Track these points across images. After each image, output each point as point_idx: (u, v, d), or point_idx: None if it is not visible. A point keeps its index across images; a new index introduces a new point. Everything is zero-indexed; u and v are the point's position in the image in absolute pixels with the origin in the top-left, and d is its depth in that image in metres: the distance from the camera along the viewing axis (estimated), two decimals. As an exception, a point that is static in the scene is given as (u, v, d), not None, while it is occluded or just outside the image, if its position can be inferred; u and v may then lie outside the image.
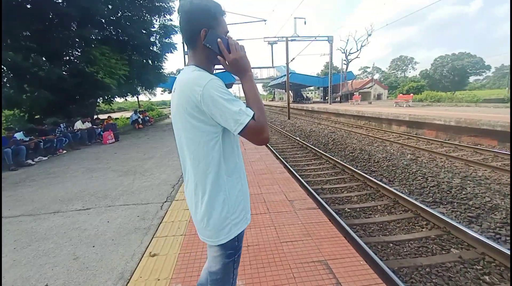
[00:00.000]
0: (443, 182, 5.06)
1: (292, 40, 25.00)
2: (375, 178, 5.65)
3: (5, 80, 9.17)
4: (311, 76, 35.88)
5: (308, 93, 59.82)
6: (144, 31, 12.58)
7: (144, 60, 13.74)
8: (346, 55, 30.56)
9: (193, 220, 1.10)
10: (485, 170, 6.09)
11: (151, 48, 13.56)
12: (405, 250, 3.40)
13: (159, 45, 13.73)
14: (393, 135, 11.34)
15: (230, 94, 0.92)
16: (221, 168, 1.01)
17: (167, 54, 14.08)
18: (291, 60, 19.22)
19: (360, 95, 25.89)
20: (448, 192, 4.74)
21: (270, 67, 62.48)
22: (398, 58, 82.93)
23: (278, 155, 8.33)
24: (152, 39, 13.38)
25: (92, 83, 9.72)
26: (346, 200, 4.92)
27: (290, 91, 37.70)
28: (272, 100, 70.44)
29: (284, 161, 7.53)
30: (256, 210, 3.30)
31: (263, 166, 5.27)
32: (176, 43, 13.89)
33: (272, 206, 3.40)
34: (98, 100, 13.29)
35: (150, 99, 53.95)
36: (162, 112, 19.11)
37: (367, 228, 3.97)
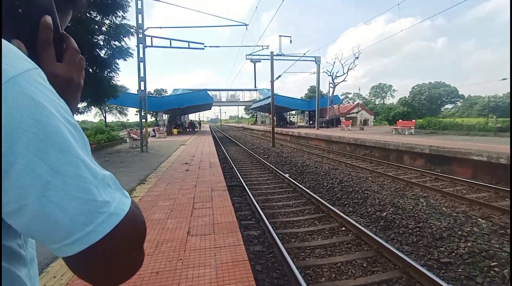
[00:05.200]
0: None
1: (277, 59, 22.89)
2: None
3: None
4: (295, 99, 33.98)
5: (290, 117, 58.31)
6: (85, 29, 9.39)
7: (88, 68, 10.41)
8: (332, 78, 29.03)
9: None
10: None
11: (96, 52, 10.33)
12: None
13: (106, 49, 10.55)
14: (413, 173, 8.55)
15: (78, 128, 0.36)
16: None
17: (118, 61, 10.89)
18: (277, 78, 16.75)
19: (350, 121, 23.81)
20: None
21: (253, 90, 61.26)
22: (377, 85, 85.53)
23: (260, 210, 5.08)
24: (97, 40, 10.18)
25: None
26: None
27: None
28: (254, 124, 68.48)
29: (271, 228, 4.27)
30: None
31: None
32: (130, 48, 10.79)
33: None
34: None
35: (119, 119, 49.68)
36: (116, 135, 15.36)
37: None
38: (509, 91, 64.30)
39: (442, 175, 7.99)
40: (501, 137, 13.11)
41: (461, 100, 69.93)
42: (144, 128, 10.55)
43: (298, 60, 23.71)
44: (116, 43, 10.61)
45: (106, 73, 11.41)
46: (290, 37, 23.03)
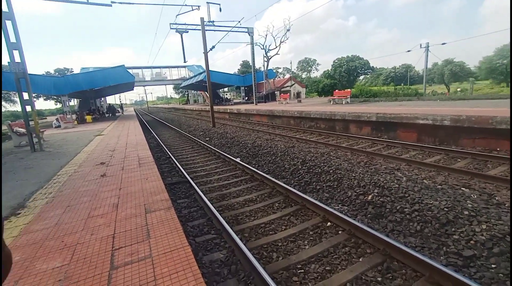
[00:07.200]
0: None
1: (208, 30, 20.31)
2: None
3: None
4: (230, 74, 32.07)
5: (224, 94, 56.21)
6: None
7: None
8: (266, 51, 28.13)
9: None
10: None
11: None
12: None
13: None
14: (365, 142, 8.39)
15: None
16: None
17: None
18: (210, 49, 14.63)
19: (288, 94, 23.66)
20: None
21: (181, 67, 55.98)
22: (303, 60, 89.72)
23: (219, 216, 3.69)
24: None
25: None
26: None
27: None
28: (186, 103, 63.89)
29: (242, 246, 2.96)
30: None
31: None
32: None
33: None
34: None
35: (7, 109, 38.67)
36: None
37: None
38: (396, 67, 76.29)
39: (391, 141, 8.01)
40: (423, 101, 14.61)
41: (371, 72, 79.86)
42: (33, 118, 7.44)
43: (231, 31, 21.64)
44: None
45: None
46: (219, 4, 20.61)
